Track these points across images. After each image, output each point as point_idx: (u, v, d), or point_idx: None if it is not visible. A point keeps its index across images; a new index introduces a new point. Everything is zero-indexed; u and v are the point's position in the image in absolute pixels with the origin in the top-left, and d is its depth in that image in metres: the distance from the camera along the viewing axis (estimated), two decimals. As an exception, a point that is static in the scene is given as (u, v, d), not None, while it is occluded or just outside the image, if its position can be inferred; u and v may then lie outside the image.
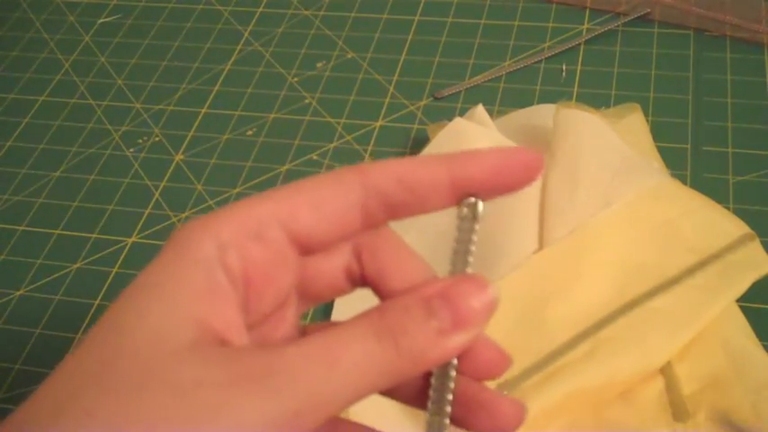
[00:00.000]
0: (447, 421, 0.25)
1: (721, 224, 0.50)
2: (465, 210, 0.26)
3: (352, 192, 0.25)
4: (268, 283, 0.25)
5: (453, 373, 0.25)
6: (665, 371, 0.45)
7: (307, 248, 0.26)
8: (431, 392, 0.25)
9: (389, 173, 0.26)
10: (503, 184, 0.26)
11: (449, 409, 0.25)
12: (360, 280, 0.28)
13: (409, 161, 0.26)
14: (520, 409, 0.26)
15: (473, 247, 0.27)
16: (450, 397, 0.25)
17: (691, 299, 0.47)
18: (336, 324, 0.24)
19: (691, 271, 0.48)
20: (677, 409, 0.44)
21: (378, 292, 0.27)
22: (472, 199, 0.26)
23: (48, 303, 0.58)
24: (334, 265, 0.27)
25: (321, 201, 0.25)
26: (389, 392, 0.27)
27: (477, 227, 0.27)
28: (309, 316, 0.54)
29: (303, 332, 0.28)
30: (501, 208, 0.52)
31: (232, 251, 0.24)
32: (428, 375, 0.26)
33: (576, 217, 0.50)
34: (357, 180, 0.25)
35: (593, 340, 0.46)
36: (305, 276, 0.27)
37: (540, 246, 0.50)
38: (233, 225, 0.24)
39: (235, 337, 0.24)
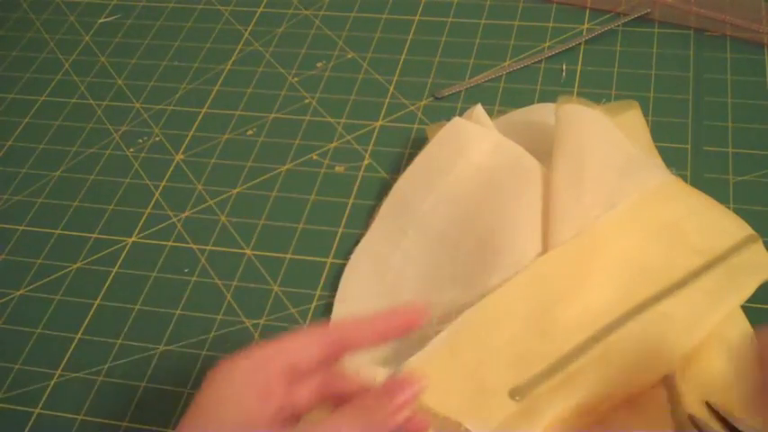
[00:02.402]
0: None
1: (725, 226, 0.50)
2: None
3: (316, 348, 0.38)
4: (275, 398, 0.37)
5: None
6: (666, 380, 0.45)
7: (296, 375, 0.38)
8: None
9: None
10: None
11: None
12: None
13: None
14: None
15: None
16: None
17: (697, 303, 0.47)
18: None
19: (696, 274, 0.48)
20: (678, 419, 0.44)
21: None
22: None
23: (48, 303, 0.58)
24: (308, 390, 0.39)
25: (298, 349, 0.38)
26: None
27: None
28: (310, 315, 0.54)
29: None
30: (503, 209, 0.52)
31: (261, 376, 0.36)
32: None
33: (581, 218, 0.50)
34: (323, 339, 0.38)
35: (603, 345, 0.45)
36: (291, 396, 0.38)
37: (545, 248, 0.50)
38: (258, 362, 0.36)
39: None
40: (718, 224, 0.50)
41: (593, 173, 0.51)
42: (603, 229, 0.50)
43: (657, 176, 0.52)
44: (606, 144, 0.53)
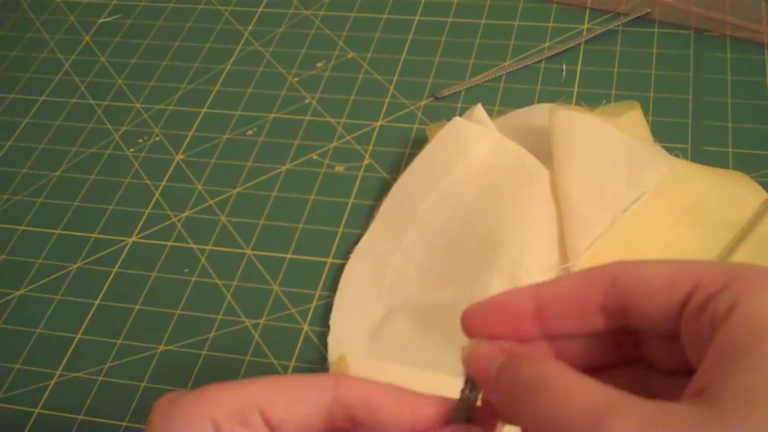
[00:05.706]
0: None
1: (740, 195, 0.51)
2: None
3: (324, 399, 0.28)
4: None
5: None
6: None
7: None
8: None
9: (359, 392, 0.28)
10: None
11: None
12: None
13: (382, 387, 0.28)
14: None
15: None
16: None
17: None
18: None
19: (730, 249, 0.49)
20: None
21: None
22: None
23: (48, 303, 0.58)
24: None
25: (296, 400, 0.28)
26: None
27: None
28: (310, 315, 0.54)
29: None
30: (503, 209, 0.52)
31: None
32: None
33: (609, 214, 0.50)
34: (331, 390, 0.28)
35: None
36: None
37: (564, 247, 0.50)
38: (222, 406, 0.27)
39: None
40: (734, 195, 0.52)
41: (608, 170, 0.52)
42: (636, 220, 0.50)
43: (666, 161, 0.53)
44: (608, 143, 0.54)
